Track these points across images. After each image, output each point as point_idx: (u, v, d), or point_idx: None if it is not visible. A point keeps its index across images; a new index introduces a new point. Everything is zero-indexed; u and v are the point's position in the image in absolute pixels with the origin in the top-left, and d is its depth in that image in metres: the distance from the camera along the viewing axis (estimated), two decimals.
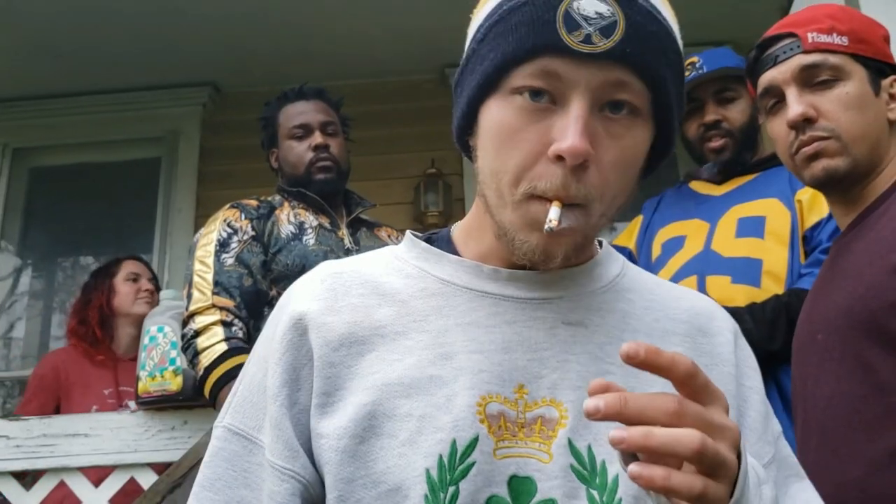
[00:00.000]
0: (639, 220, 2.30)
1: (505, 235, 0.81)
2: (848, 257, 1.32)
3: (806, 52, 1.33)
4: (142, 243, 3.94)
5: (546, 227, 0.74)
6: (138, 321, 2.80)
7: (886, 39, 1.42)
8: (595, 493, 0.76)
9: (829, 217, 1.90)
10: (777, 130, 1.37)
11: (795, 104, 1.32)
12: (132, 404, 2.70)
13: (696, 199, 2.18)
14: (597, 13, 0.75)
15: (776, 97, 1.37)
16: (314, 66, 3.77)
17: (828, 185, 1.35)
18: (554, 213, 0.75)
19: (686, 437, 0.62)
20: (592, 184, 0.77)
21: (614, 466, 0.77)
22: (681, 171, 3.29)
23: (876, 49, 1.37)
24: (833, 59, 1.32)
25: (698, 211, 2.13)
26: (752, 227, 1.99)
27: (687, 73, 2.22)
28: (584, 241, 0.84)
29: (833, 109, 1.31)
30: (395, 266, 0.89)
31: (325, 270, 0.90)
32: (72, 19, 3.42)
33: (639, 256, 2.23)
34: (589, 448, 0.78)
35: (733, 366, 0.87)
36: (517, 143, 0.78)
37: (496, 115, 0.80)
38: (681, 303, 0.92)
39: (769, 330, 1.78)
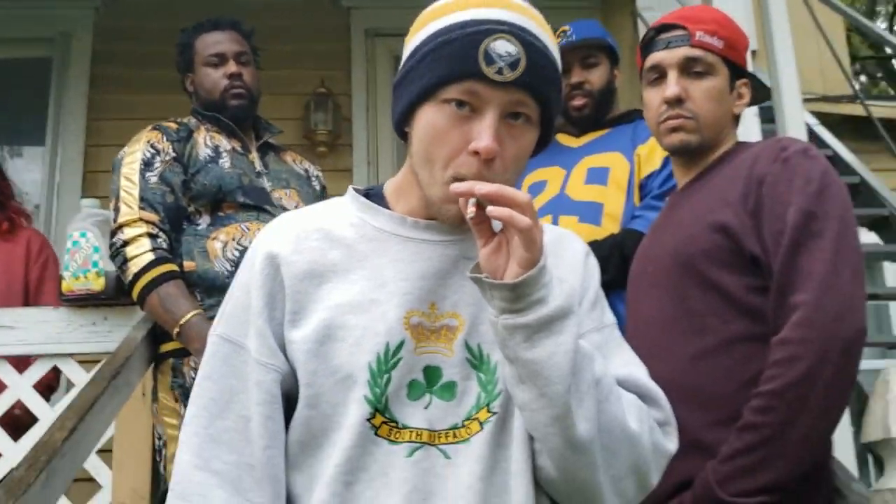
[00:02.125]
0: None
1: (433, 205, 1.13)
2: (679, 211, 1.74)
3: (692, 46, 1.69)
4: (33, 142, 4.02)
5: (468, 215, 1.04)
6: None
7: (747, 48, 1.82)
8: (482, 375, 1.11)
9: (661, 168, 2.32)
10: (652, 100, 1.74)
11: (674, 85, 1.68)
12: None
13: (559, 150, 2.57)
14: (507, 52, 1.06)
15: (659, 74, 1.72)
16: None
17: (679, 152, 1.75)
18: (471, 202, 1.04)
19: (524, 217, 0.99)
20: (498, 171, 1.07)
21: (494, 357, 1.11)
22: None
23: (740, 56, 1.76)
24: (710, 57, 1.70)
25: (559, 160, 2.52)
26: (598, 176, 2.40)
27: (558, 40, 2.58)
28: None
29: (699, 97, 1.69)
30: (342, 217, 1.19)
31: (289, 221, 1.21)
32: None
33: None
34: (479, 346, 1.12)
35: (580, 274, 1.21)
36: (446, 139, 1.09)
37: (431, 117, 1.10)
38: (546, 236, 1.27)
39: (604, 263, 2.17)
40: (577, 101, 2.53)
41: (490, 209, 1.00)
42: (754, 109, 2.69)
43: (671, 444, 1.17)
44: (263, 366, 1.12)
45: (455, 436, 1.09)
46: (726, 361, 1.52)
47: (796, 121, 2.93)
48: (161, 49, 3.96)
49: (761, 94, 1.85)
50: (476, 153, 1.06)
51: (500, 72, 1.05)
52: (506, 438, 1.10)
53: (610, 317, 1.24)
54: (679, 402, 1.50)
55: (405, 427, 1.08)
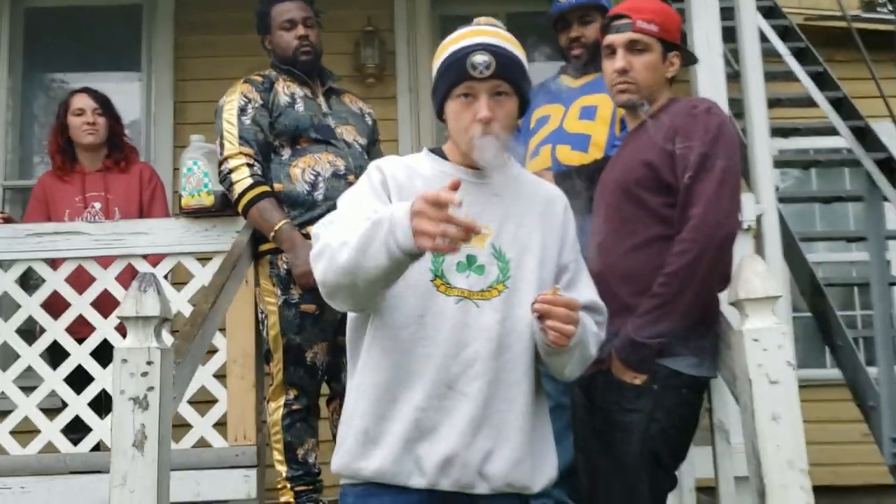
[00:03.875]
0: None
1: (468, 153, 1.87)
2: (626, 148, 2.47)
3: (634, 31, 2.39)
4: (131, 78, 4.80)
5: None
6: (90, 148, 3.76)
7: (679, 27, 2.50)
8: (500, 263, 1.86)
9: None
10: (607, 69, 2.46)
11: (620, 60, 2.40)
12: (97, 205, 3.71)
13: (561, 89, 3.27)
14: (482, 61, 1.83)
15: (611, 50, 2.43)
16: None
17: (626, 107, 2.48)
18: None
19: (571, 328, 1.74)
20: (496, 128, 1.82)
21: (510, 254, 1.87)
22: None
23: (672, 35, 2.44)
24: (647, 38, 2.39)
25: (560, 98, 3.23)
26: (589, 113, 3.10)
27: (562, 1, 3.26)
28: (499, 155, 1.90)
29: (639, 68, 2.39)
30: (421, 162, 1.95)
31: (391, 158, 1.98)
32: None
33: (522, 126, 3.33)
34: (499, 246, 1.86)
35: (562, 217, 1.98)
36: (463, 116, 1.86)
37: (452, 107, 1.88)
38: (543, 188, 2.03)
39: (589, 181, 2.92)
40: (575, 52, 3.22)
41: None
42: (719, 50, 3.34)
43: (602, 334, 1.99)
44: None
45: (483, 295, 1.85)
46: (647, 253, 2.27)
47: (751, 33, 3.53)
48: None
49: (690, 59, 2.55)
50: (479, 120, 1.84)
51: (480, 73, 1.84)
52: (514, 302, 1.85)
53: (578, 247, 2.02)
54: (616, 280, 2.29)
55: (454, 287, 1.84)
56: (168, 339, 2.10)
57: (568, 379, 1.95)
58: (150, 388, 1.99)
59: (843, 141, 5.21)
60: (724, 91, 3.27)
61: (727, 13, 3.63)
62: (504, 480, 1.81)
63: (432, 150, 1.99)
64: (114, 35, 4.98)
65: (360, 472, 1.81)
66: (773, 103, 5.39)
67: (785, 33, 5.75)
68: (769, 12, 6.02)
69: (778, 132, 5.28)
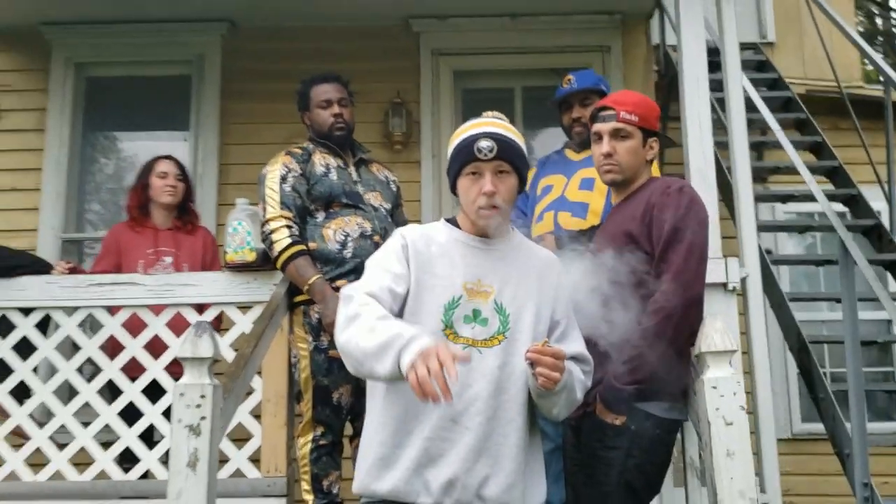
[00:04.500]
0: (532, 171, 3.78)
1: (474, 224, 2.27)
2: (612, 220, 2.85)
3: (618, 121, 2.79)
4: (177, 142, 5.28)
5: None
6: (165, 207, 4.22)
7: (658, 117, 2.89)
8: (501, 317, 2.23)
9: None
10: (595, 153, 2.85)
11: (606, 145, 2.79)
12: (167, 259, 4.16)
13: (564, 162, 3.68)
14: (486, 145, 2.23)
15: (598, 136, 2.83)
16: (308, 9, 5.12)
17: (611, 185, 2.87)
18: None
19: (557, 375, 2.09)
20: (498, 202, 2.22)
21: (510, 309, 2.23)
22: None
23: (651, 124, 2.83)
24: (629, 127, 2.78)
25: (563, 170, 3.63)
26: (588, 184, 3.50)
27: (565, 86, 3.68)
28: (502, 224, 2.29)
29: (622, 152, 2.78)
30: (438, 231, 2.33)
31: (413, 227, 2.37)
32: None
33: (529, 193, 3.73)
34: (501, 302, 2.23)
35: (556, 280, 2.35)
36: (471, 191, 2.25)
37: (463, 183, 2.27)
38: (541, 254, 2.40)
39: (586, 245, 3.30)
40: (577, 129, 3.63)
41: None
42: (708, 126, 3.73)
43: (589, 381, 2.33)
44: (394, 285, 2.23)
45: (486, 343, 2.21)
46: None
47: (738, 112, 3.93)
48: (274, 67, 5.20)
49: (668, 143, 2.95)
50: (485, 193, 2.23)
51: (485, 155, 2.23)
52: (512, 350, 2.21)
53: (570, 306, 2.37)
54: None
55: (461, 336, 2.21)
56: (214, 378, 2.47)
57: (556, 419, 2.31)
58: (203, 418, 2.38)
59: (840, 206, 5.56)
60: (712, 165, 3.66)
61: (720, 84, 4.02)
62: (498, 502, 2.16)
63: (448, 220, 2.38)
64: (165, 101, 5.46)
65: (377, 491, 2.17)
66: (773, 171, 5.78)
67: (787, 103, 6.15)
68: (774, 84, 6.44)
69: (778, 198, 5.64)
